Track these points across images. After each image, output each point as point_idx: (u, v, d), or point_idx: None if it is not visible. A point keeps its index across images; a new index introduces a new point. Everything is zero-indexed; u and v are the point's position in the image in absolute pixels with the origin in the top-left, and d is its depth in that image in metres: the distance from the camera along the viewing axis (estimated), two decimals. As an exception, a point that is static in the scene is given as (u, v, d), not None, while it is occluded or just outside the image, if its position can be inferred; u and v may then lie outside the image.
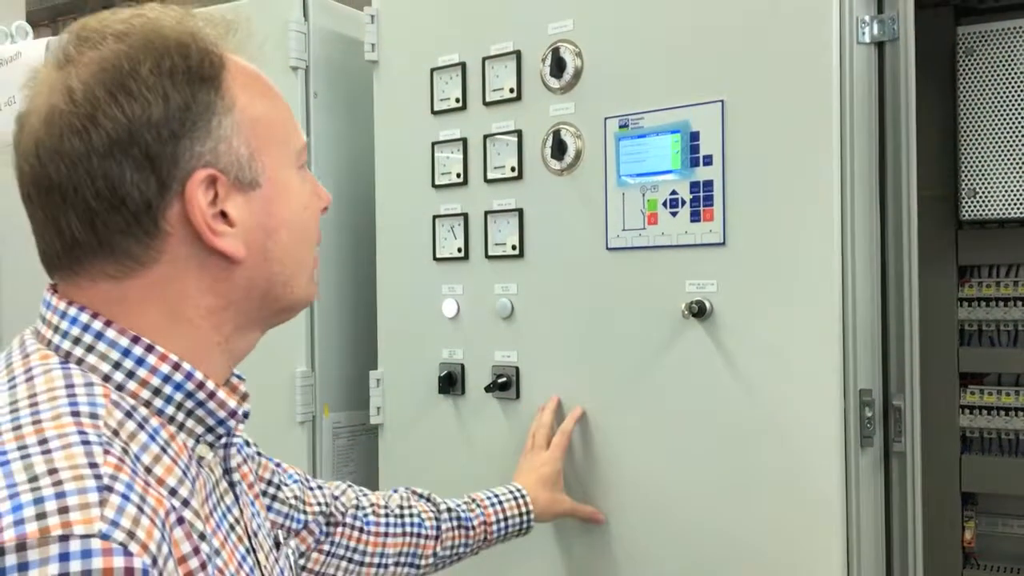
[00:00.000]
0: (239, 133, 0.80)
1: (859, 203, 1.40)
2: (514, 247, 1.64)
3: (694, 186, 1.45)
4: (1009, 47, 1.73)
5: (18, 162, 0.79)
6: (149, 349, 0.77)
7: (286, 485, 1.17)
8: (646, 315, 1.50)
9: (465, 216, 1.69)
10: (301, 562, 1.18)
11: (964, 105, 1.76)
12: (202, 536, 0.73)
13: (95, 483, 0.65)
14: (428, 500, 1.35)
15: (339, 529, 1.23)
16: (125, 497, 0.65)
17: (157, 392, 0.77)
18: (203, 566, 0.71)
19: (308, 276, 0.89)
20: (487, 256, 1.67)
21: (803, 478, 1.38)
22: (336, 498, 1.25)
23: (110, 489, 0.65)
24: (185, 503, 0.73)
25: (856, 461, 1.39)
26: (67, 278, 0.80)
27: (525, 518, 1.42)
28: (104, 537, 0.62)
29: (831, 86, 1.36)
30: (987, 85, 1.74)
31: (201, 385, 0.79)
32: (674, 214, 1.47)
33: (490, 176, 1.66)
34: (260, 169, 0.81)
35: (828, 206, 1.36)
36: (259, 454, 1.12)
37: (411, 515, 1.30)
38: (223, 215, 0.79)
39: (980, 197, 1.74)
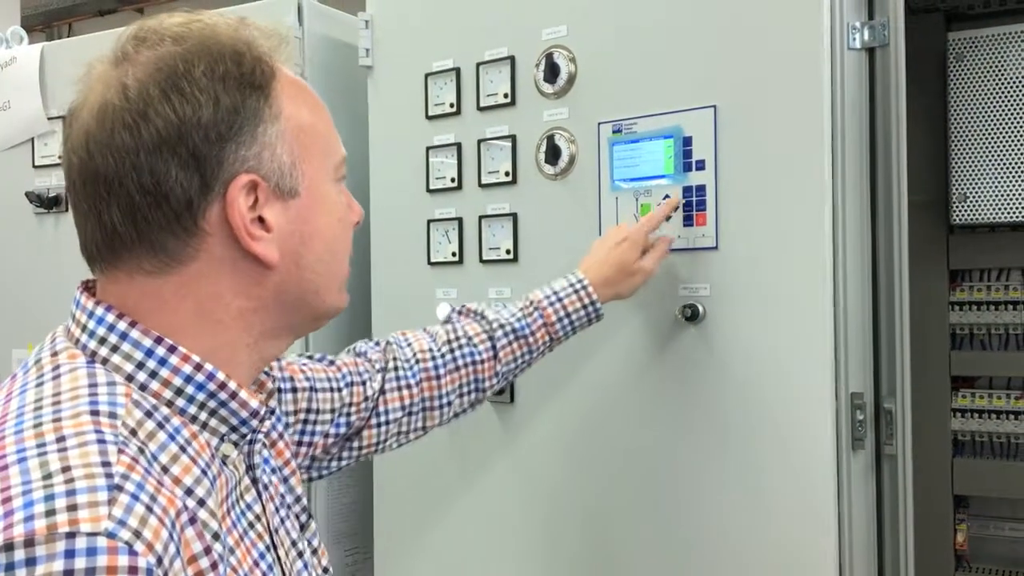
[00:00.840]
0: (283, 141, 0.82)
1: (850, 208, 1.40)
2: (508, 251, 1.64)
3: (687, 191, 1.46)
4: (999, 53, 1.74)
5: (67, 155, 0.81)
6: (172, 350, 0.78)
7: (323, 395, 1.15)
8: (639, 319, 1.51)
9: (459, 220, 1.70)
10: (357, 445, 1.22)
11: (955, 110, 1.77)
12: (216, 536, 0.74)
13: (106, 482, 0.66)
14: (481, 317, 1.35)
15: (384, 396, 1.24)
16: (135, 497, 0.66)
17: (179, 392, 0.78)
18: (214, 566, 0.72)
19: (339, 286, 0.90)
20: (481, 260, 1.68)
21: (796, 481, 1.39)
22: (382, 370, 1.25)
23: (120, 488, 0.66)
24: (201, 502, 0.74)
25: (848, 464, 1.40)
26: (105, 271, 0.82)
27: (591, 309, 1.37)
28: (110, 536, 0.63)
29: (822, 92, 1.37)
30: (978, 90, 1.75)
31: (223, 386, 0.80)
32: (668, 219, 1.48)
33: (484, 181, 1.67)
34: (300, 178, 0.83)
35: (819, 210, 1.37)
36: (293, 389, 1.11)
37: (460, 346, 1.30)
38: (261, 220, 0.81)
39: (971, 201, 1.75)
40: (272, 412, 0.92)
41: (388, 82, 1.81)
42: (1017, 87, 1.72)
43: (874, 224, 1.44)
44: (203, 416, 0.80)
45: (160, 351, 0.78)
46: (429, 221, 1.74)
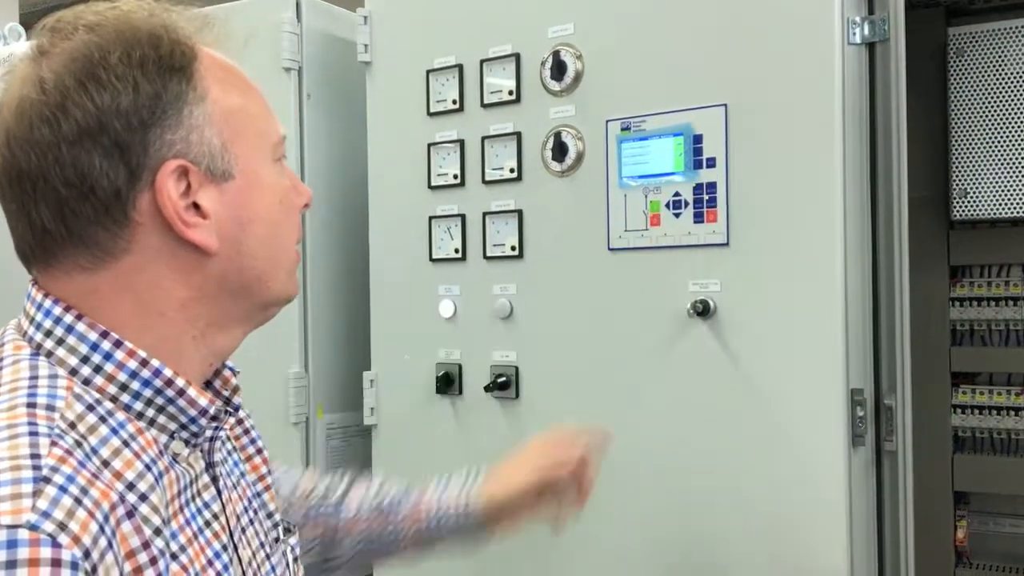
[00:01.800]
0: (211, 124, 0.79)
1: (851, 204, 1.41)
2: (513, 248, 1.64)
3: (697, 188, 1.46)
4: (1000, 48, 1.74)
5: None
6: (117, 344, 0.77)
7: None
8: (648, 314, 1.51)
9: (462, 217, 1.70)
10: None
11: (955, 106, 1.77)
12: (157, 531, 0.72)
13: (32, 474, 0.66)
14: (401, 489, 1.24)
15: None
16: (62, 489, 0.66)
17: (124, 388, 0.76)
18: (153, 561, 0.71)
19: (286, 272, 0.88)
20: (485, 257, 1.67)
21: (806, 475, 1.39)
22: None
23: (48, 480, 0.66)
24: (143, 497, 0.72)
25: (848, 460, 1.40)
26: (43, 271, 0.80)
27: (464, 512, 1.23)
28: (32, 528, 0.62)
29: (833, 89, 1.37)
30: (978, 85, 1.75)
31: (170, 382, 0.78)
32: (677, 215, 1.48)
33: (488, 177, 1.67)
34: (233, 160, 0.81)
35: (829, 206, 1.37)
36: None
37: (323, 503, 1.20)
38: (196, 207, 0.79)
39: (971, 197, 1.75)
40: (237, 409, 0.89)
41: (387, 78, 1.80)
42: (1018, 82, 1.72)
43: (874, 220, 1.44)
44: (150, 413, 0.78)
45: (105, 345, 0.76)
46: (431, 218, 1.73)
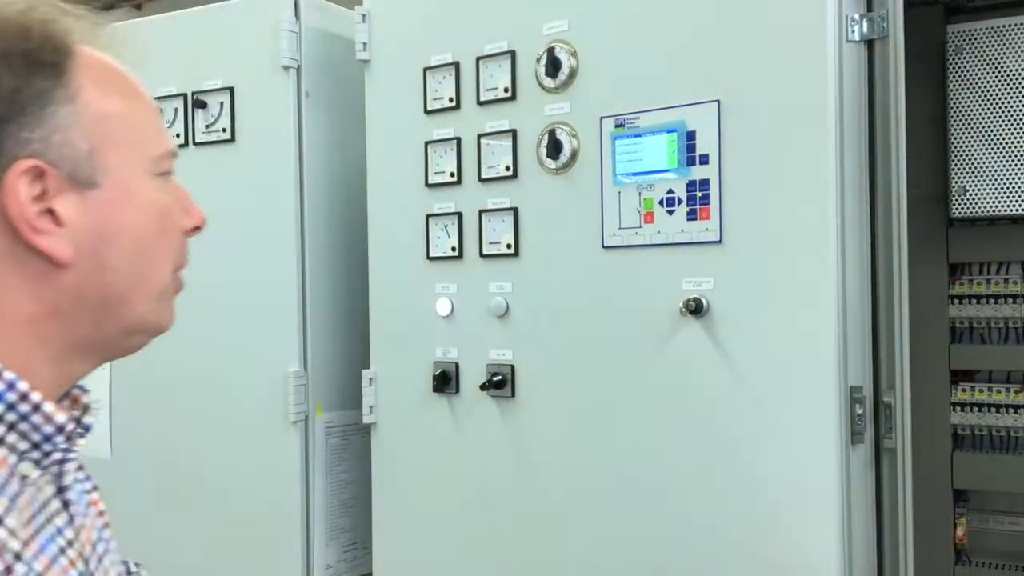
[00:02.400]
0: (79, 126, 0.75)
1: (849, 201, 1.40)
2: (509, 246, 1.64)
3: (691, 185, 1.46)
4: (999, 45, 1.73)
5: None
6: None
7: None
8: (642, 313, 1.51)
9: (459, 215, 1.70)
10: None
11: (954, 103, 1.76)
12: (17, 556, 0.68)
13: None
14: None
15: None
16: None
17: None
18: None
19: (156, 296, 0.82)
20: (481, 255, 1.67)
21: (798, 474, 1.39)
22: None
23: None
24: None
25: (847, 458, 1.40)
26: None
27: None
28: None
29: (827, 85, 1.37)
30: (977, 83, 1.74)
31: (25, 397, 0.72)
32: (670, 212, 1.48)
33: (484, 175, 1.67)
34: (101, 168, 0.76)
35: (823, 204, 1.37)
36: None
37: None
38: (51, 212, 0.73)
39: (970, 195, 1.75)
40: (88, 430, 0.81)
41: (386, 76, 1.80)
42: (1016, 79, 1.72)
43: (873, 217, 1.44)
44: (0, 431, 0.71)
45: None
46: (428, 216, 1.73)
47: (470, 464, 1.70)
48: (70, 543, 0.77)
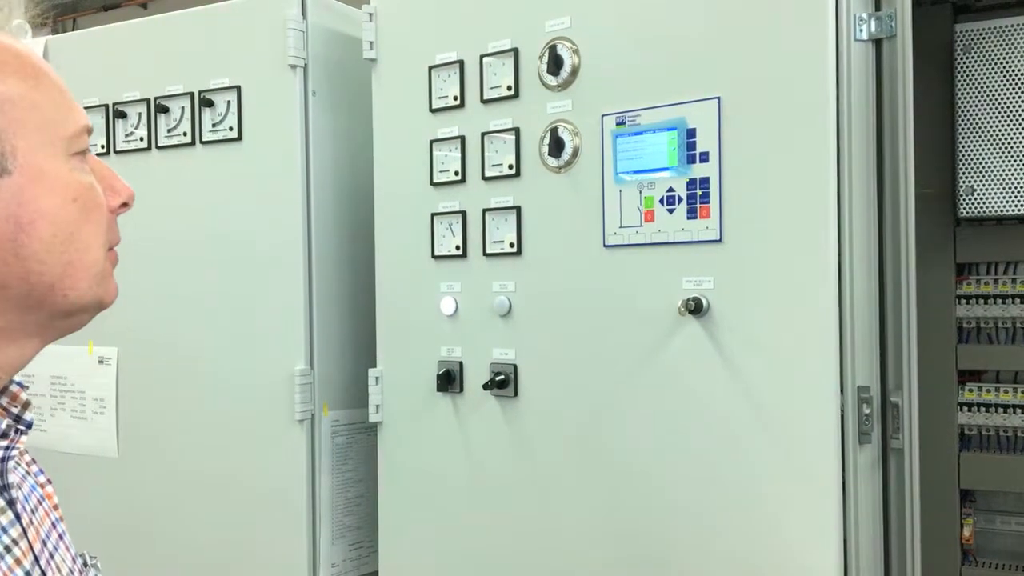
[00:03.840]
0: None
1: (857, 200, 1.40)
2: (512, 245, 1.64)
3: (691, 183, 1.46)
4: (1007, 44, 1.73)
5: None
6: None
7: None
8: (643, 312, 1.50)
9: (463, 214, 1.70)
10: None
11: (962, 102, 1.76)
12: None
13: None
14: None
15: None
16: None
17: None
18: None
19: (91, 278, 0.78)
20: (485, 254, 1.67)
21: (800, 475, 1.38)
22: None
23: None
24: None
25: (854, 457, 1.39)
26: None
27: None
28: None
29: (827, 83, 1.36)
30: (985, 82, 1.74)
31: None
32: (671, 211, 1.47)
33: (488, 174, 1.67)
34: (9, 154, 0.72)
35: (824, 203, 1.36)
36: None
37: None
38: None
39: (978, 194, 1.74)
40: (29, 427, 0.80)
41: (392, 75, 1.80)
42: (1025, 79, 1.71)
43: (881, 217, 1.43)
44: None
45: None
46: (433, 214, 1.73)
47: (474, 463, 1.70)
48: (15, 541, 0.75)
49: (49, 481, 0.88)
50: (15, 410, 0.80)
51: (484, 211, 1.67)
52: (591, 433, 1.57)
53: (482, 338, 1.68)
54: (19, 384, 0.81)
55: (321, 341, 1.88)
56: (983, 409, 1.80)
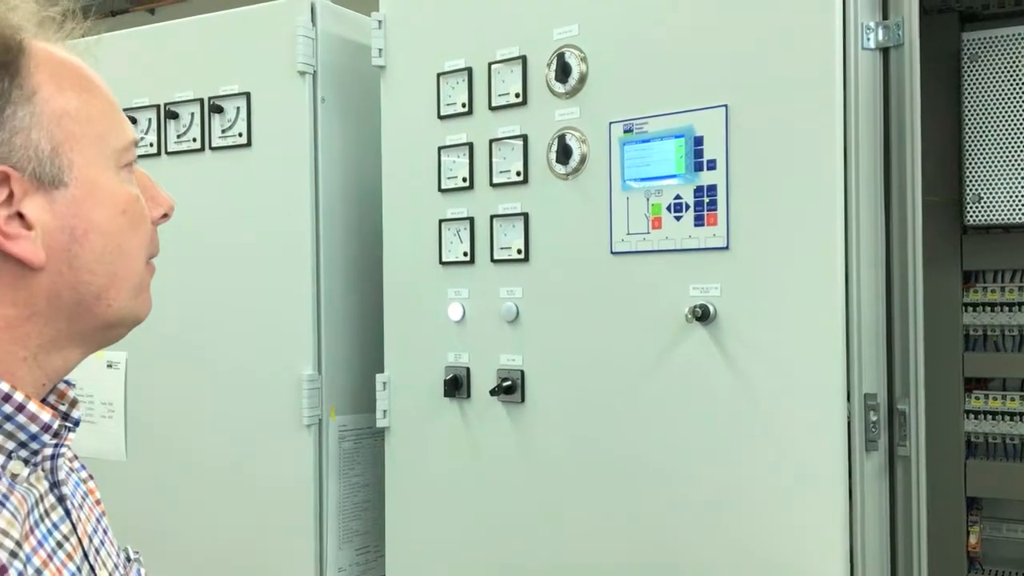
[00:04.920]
0: (40, 126, 0.73)
1: (864, 208, 1.40)
2: (519, 251, 1.64)
3: (698, 191, 1.46)
4: (1013, 53, 1.73)
5: None
6: None
7: None
8: (650, 319, 1.51)
9: (471, 220, 1.70)
10: None
11: (969, 110, 1.76)
12: (13, 554, 0.68)
13: None
14: None
15: None
16: None
17: None
18: None
19: (131, 289, 0.81)
20: (493, 260, 1.68)
21: (806, 482, 1.39)
22: None
23: None
24: None
25: (861, 465, 1.39)
26: None
27: None
28: None
29: (835, 91, 1.36)
30: (992, 91, 1.74)
31: (7, 397, 0.72)
32: (678, 218, 1.48)
33: (496, 180, 1.67)
34: (66, 166, 0.74)
35: (831, 210, 1.37)
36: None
37: None
38: (20, 216, 0.72)
39: (985, 202, 1.75)
40: (77, 424, 0.82)
41: (401, 82, 1.81)
42: (1032, 87, 1.71)
43: (888, 224, 1.44)
44: None
45: None
46: (441, 221, 1.74)
47: (481, 468, 1.70)
48: (66, 537, 0.78)
49: (91, 476, 0.91)
50: (63, 408, 0.82)
51: (492, 217, 1.68)
52: (598, 439, 1.57)
53: (489, 344, 1.68)
54: (66, 382, 0.83)
55: (329, 346, 1.89)
56: (990, 417, 1.80)
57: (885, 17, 1.43)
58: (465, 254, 1.71)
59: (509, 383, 1.64)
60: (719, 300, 1.44)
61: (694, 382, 1.47)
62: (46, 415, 0.74)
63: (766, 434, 1.41)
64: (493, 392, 1.65)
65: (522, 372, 1.64)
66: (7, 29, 0.73)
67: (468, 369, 1.71)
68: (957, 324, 1.82)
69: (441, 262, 1.74)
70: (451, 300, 1.72)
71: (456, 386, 1.71)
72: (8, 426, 0.72)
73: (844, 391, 1.38)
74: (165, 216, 0.86)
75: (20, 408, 0.72)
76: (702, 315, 1.43)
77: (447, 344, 1.73)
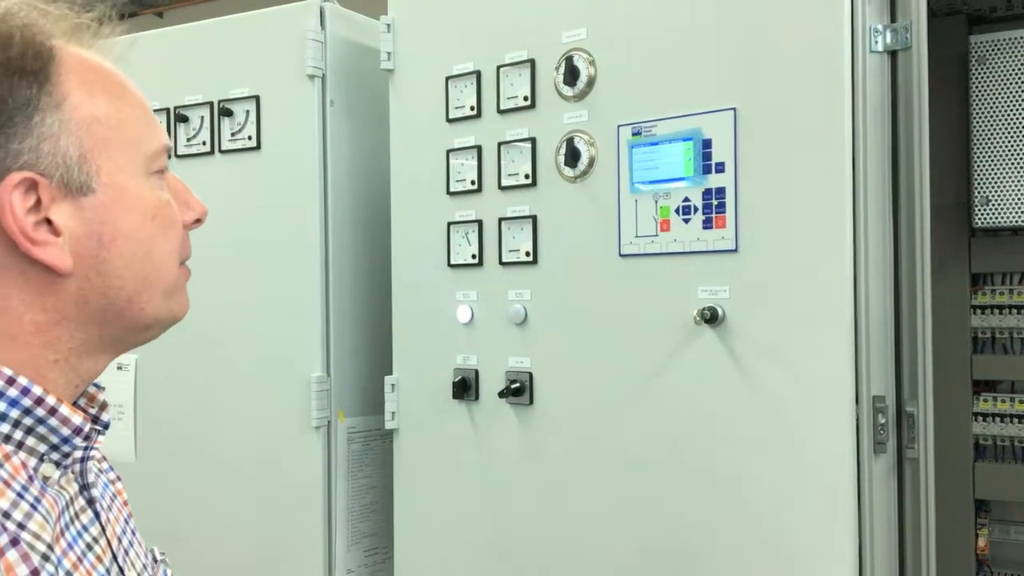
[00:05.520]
0: (69, 132, 0.73)
1: (872, 211, 1.40)
2: (528, 254, 1.65)
3: (706, 193, 1.46)
4: (1022, 56, 1.73)
5: None
6: None
7: None
8: (658, 321, 1.51)
9: (479, 223, 1.71)
10: None
11: (977, 113, 1.76)
12: (46, 557, 0.68)
13: None
14: None
15: None
16: None
17: None
18: None
19: (164, 292, 0.81)
20: (501, 263, 1.68)
21: (815, 485, 1.39)
22: None
23: None
24: (21, 526, 0.67)
25: (869, 467, 1.39)
26: None
27: None
28: None
29: (843, 94, 1.37)
30: (1000, 93, 1.74)
31: (40, 401, 0.72)
32: (686, 221, 1.48)
33: (504, 183, 1.68)
34: (94, 173, 0.74)
35: (840, 213, 1.37)
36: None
37: None
38: (48, 222, 0.72)
39: (993, 205, 1.74)
40: (106, 427, 0.83)
41: (409, 85, 1.82)
42: (1040, 90, 1.71)
43: (896, 227, 1.44)
44: (17, 435, 0.71)
45: None
46: (449, 223, 1.74)
47: (490, 470, 1.71)
48: (95, 539, 0.78)
49: (119, 478, 0.91)
50: (93, 411, 0.82)
51: (500, 220, 1.68)
52: (606, 441, 1.57)
53: (498, 346, 1.69)
54: (96, 385, 0.83)
55: (337, 348, 1.89)
56: (998, 419, 1.80)
57: (893, 20, 1.43)
58: (473, 256, 1.71)
59: (518, 385, 1.65)
60: (728, 302, 1.45)
61: (702, 384, 1.47)
62: (78, 418, 0.75)
63: (775, 436, 1.41)
64: (502, 394, 1.65)
65: (531, 374, 1.65)
66: (39, 35, 0.73)
67: (477, 371, 1.71)
68: (965, 326, 1.82)
69: (450, 264, 1.74)
70: (460, 302, 1.73)
71: (465, 388, 1.71)
72: (40, 429, 0.73)
73: (852, 393, 1.38)
74: (198, 221, 0.86)
75: (52, 411, 0.73)
76: (711, 317, 1.43)
77: (456, 346, 1.74)
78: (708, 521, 1.47)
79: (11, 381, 0.71)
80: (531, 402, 1.65)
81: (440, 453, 1.77)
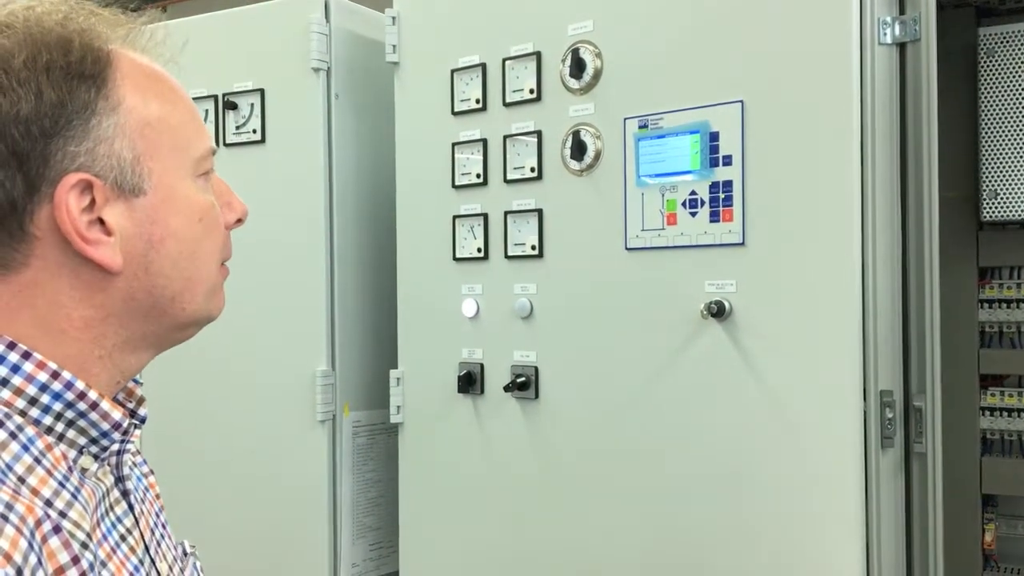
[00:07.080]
0: (123, 135, 0.75)
1: (880, 204, 1.40)
2: (533, 247, 1.64)
3: (713, 186, 1.46)
4: (1031, 48, 1.72)
5: None
6: (26, 356, 0.73)
7: None
8: (665, 315, 1.51)
9: (485, 216, 1.70)
10: None
11: (985, 106, 1.75)
12: (84, 545, 0.70)
13: None
14: None
15: None
16: None
17: (33, 401, 0.72)
18: None
19: (205, 292, 0.83)
20: (506, 256, 1.68)
21: (822, 479, 1.38)
22: None
23: None
24: (62, 514, 0.69)
25: (877, 462, 1.39)
26: None
27: None
28: None
29: (851, 86, 1.36)
30: (1009, 85, 1.73)
31: (82, 395, 0.74)
32: (693, 214, 1.47)
33: (510, 176, 1.67)
34: (146, 175, 0.77)
35: (848, 206, 1.36)
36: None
37: None
38: (101, 222, 0.74)
39: (1001, 198, 1.73)
40: (143, 421, 0.85)
41: (414, 78, 1.81)
42: (1049, 82, 1.70)
43: (904, 220, 1.43)
44: (60, 427, 0.73)
45: (13, 357, 0.72)
46: (455, 217, 1.74)
47: (495, 464, 1.70)
48: (128, 531, 0.80)
49: (152, 471, 0.93)
50: (131, 405, 0.85)
51: (506, 213, 1.67)
52: (612, 435, 1.57)
53: (503, 340, 1.68)
54: (135, 380, 0.86)
55: (343, 342, 1.89)
56: (1005, 414, 1.79)
57: (902, 12, 1.43)
58: (479, 250, 1.71)
59: (523, 379, 1.64)
60: (735, 296, 1.44)
61: (709, 379, 1.47)
62: (117, 413, 0.77)
63: (782, 431, 1.41)
64: (507, 388, 1.65)
65: (536, 368, 1.64)
66: (96, 40, 0.75)
67: (482, 365, 1.71)
68: (973, 321, 1.81)
69: (455, 258, 1.74)
70: (465, 296, 1.72)
71: (470, 382, 1.71)
72: (81, 423, 0.75)
73: (860, 388, 1.37)
74: (239, 221, 0.88)
75: (94, 406, 0.75)
76: (717, 311, 1.43)
77: (461, 340, 1.73)
78: (715, 514, 1.47)
79: (55, 375, 0.73)
80: (536, 396, 1.64)
81: (445, 447, 1.76)
